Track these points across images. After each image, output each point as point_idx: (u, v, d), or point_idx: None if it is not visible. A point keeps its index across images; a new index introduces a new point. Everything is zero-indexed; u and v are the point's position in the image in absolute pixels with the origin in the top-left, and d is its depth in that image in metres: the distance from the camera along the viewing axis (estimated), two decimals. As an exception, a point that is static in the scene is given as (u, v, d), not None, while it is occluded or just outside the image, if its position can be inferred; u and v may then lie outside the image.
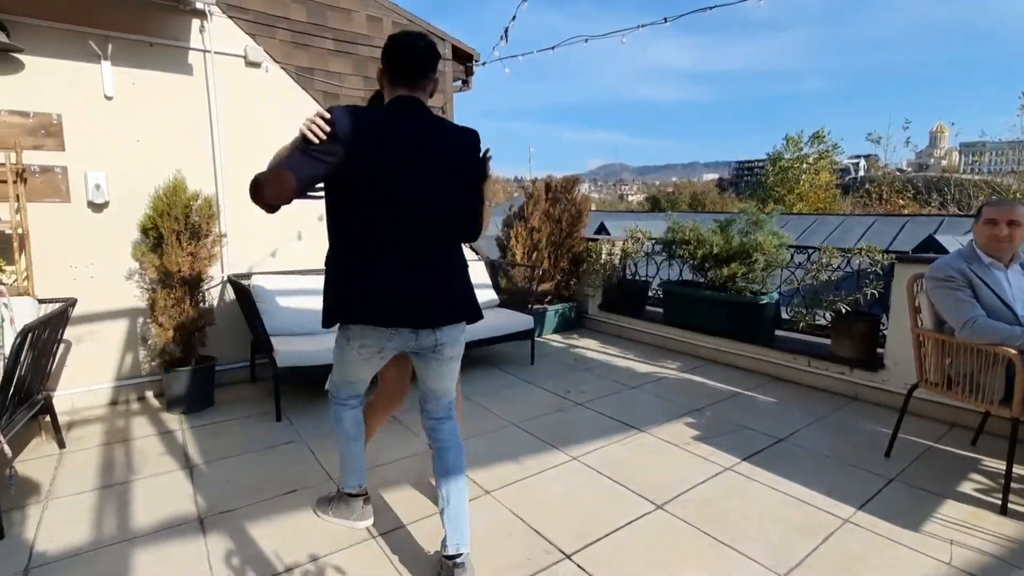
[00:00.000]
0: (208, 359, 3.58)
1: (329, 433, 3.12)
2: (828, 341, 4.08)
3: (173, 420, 3.35)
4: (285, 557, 2.03)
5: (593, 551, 2.09)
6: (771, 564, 2.01)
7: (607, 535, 2.20)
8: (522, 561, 2.03)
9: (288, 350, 3.38)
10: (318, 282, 4.11)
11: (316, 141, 1.61)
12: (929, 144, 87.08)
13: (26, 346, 2.10)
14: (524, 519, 2.30)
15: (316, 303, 3.95)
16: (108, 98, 3.37)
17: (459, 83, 5.09)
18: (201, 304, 3.52)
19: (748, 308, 4.27)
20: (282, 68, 4.02)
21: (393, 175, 1.70)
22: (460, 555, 1.86)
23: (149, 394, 3.72)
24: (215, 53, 3.69)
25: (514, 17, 5.17)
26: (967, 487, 2.59)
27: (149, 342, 3.64)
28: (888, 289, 3.64)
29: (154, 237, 3.34)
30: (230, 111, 3.82)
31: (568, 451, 2.95)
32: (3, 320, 2.42)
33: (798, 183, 21.80)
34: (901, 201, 19.04)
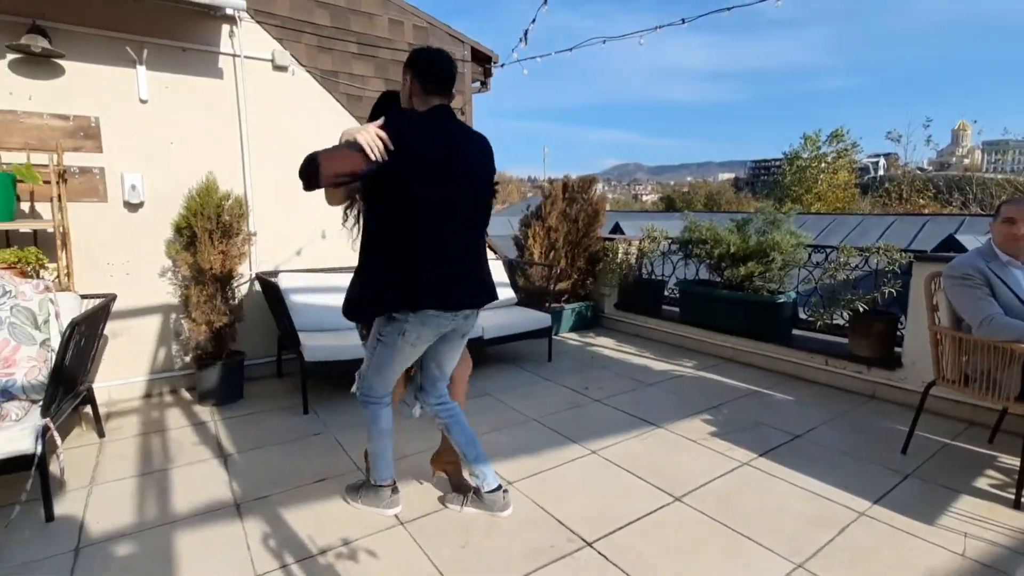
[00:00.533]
0: (238, 354, 3.71)
1: (354, 425, 3.24)
2: (846, 340, 4.10)
3: (205, 412, 3.48)
4: (318, 540, 2.13)
5: (613, 539, 2.16)
6: (788, 554, 2.07)
7: (627, 525, 2.26)
8: (545, 548, 2.11)
9: (315, 345, 3.49)
10: (343, 279, 4.25)
11: (378, 159, 1.78)
12: (951, 143, 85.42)
13: (73, 339, 2.22)
14: (546, 509, 2.38)
15: (339, 300, 4.10)
16: (143, 101, 3.51)
17: (478, 84, 5.18)
18: (231, 300, 3.64)
19: (765, 307, 4.30)
20: (307, 71, 4.14)
21: (443, 175, 1.90)
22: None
23: (181, 387, 3.86)
24: (244, 57, 3.82)
25: (534, 20, 5.24)
26: (982, 482, 2.61)
27: (181, 337, 3.77)
28: (906, 288, 3.65)
29: (187, 236, 3.47)
30: (257, 113, 3.95)
31: (587, 445, 3.01)
32: (50, 314, 2.55)
33: (816, 183, 21.58)
34: (922, 201, 18.76)
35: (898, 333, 3.79)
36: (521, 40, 5.37)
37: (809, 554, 2.06)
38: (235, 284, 3.71)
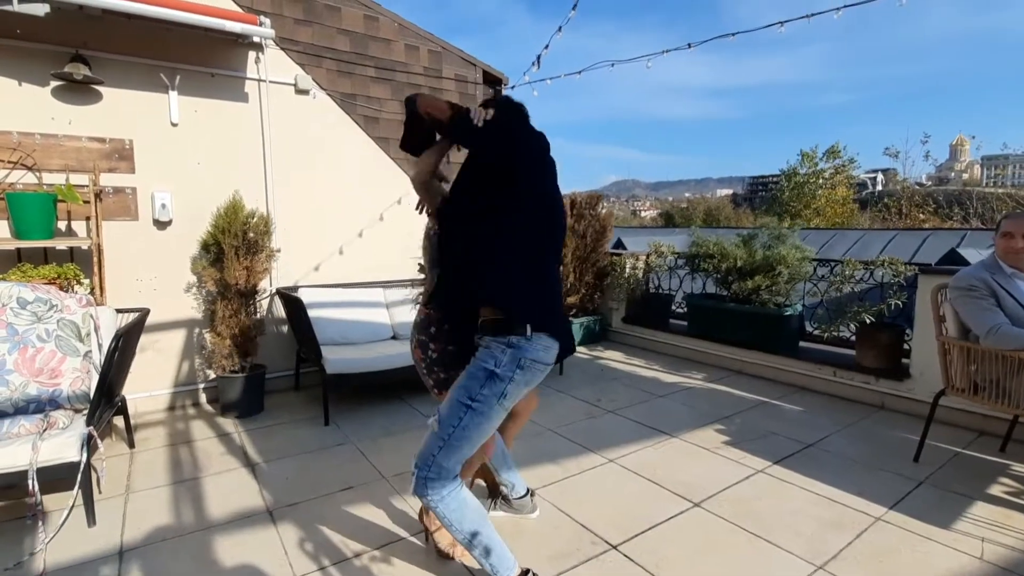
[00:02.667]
0: (259, 367, 3.80)
1: (375, 436, 3.32)
2: (852, 352, 4.18)
3: (228, 424, 3.56)
4: (352, 544, 2.20)
5: (637, 543, 2.23)
6: (808, 556, 2.13)
7: (649, 529, 2.33)
8: (571, 551, 2.18)
9: (337, 358, 3.58)
10: (361, 295, 4.39)
11: (475, 119, 1.71)
12: (949, 157, 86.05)
13: (118, 350, 2.32)
14: (569, 514, 2.45)
15: (358, 314, 4.24)
16: (174, 125, 3.65)
17: (489, 105, 5.33)
18: (255, 315, 3.75)
19: (773, 320, 4.39)
20: (328, 94, 4.30)
21: (554, 184, 1.83)
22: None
23: (203, 399, 3.94)
24: (269, 82, 3.98)
25: (547, 46, 5.42)
26: (996, 490, 2.68)
27: (205, 350, 3.87)
28: (912, 300, 3.74)
29: (215, 252, 3.59)
30: (280, 134, 4.09)
31: (604, 454, 3.09)
32: (91, 328, 2.65)
33: (814, 198, 21.83)
34: (922, 215, 18.93)
35: (904, 345, 3.88)
36: (534, 64, 5.55)
37: (829, 556, 2.13)
38: (258, 299, 3.81)
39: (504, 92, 5.29)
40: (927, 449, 2.99)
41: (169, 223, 3.70)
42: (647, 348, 5.58)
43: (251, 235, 3.66)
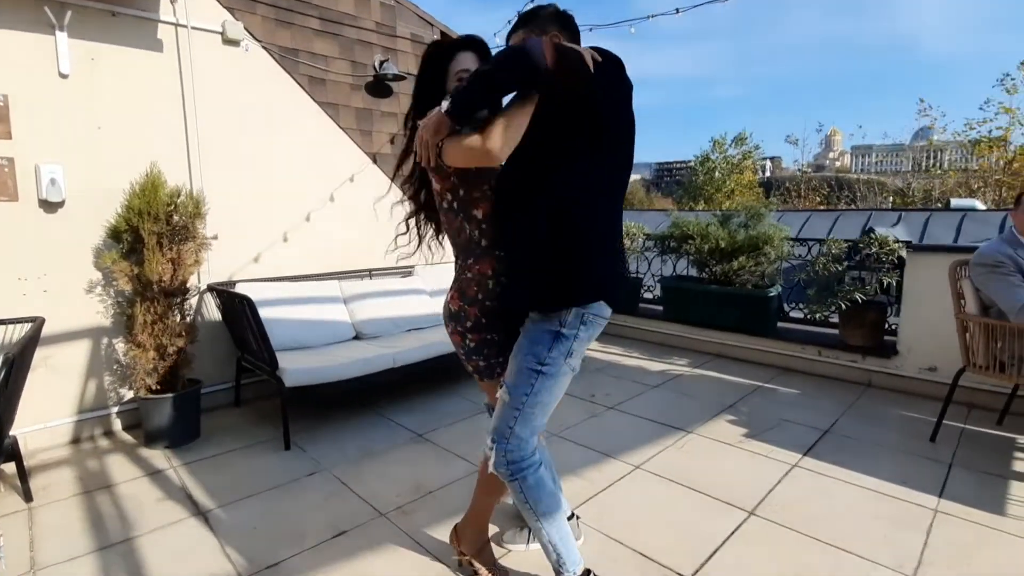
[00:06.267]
0: (194, 383, 3.08)
1: (352, 458, 2.77)
2: (832, 331, 4.17)
3: (158, 457, 2.83)
4: (373, 616, 1.70)
5: (712, 570, 1.91)
6: (894, 564, 1.92)
7: (717, 550, 2.03)
8: (645, 590, 1.82)
9: (296, 368, 2.96)
10: (313, 289, 3.73)
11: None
12: (824, 147, 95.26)
13: (9, 378, 1.62)
14: (621, 541, 2.09)
15: (312, 312, 3.58)
16: (63, 76, 2.80)
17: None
18: (186, 318, 3.01)
19: (756, 301, 4.29)
20: (263, 47, 3.56)
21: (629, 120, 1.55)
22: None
23: (118, 426, 3.15)
24: (189, 28, 3.18)
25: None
26: (1020, 466, 2.66)
27: (118, 365, 3.08)
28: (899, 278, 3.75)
29: (128, 241, 2.81)
30: (205, 94, 3.32)
31: (626, 459, 2.76)
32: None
33: (726, 182, 23.09)
34: (817, 198, 20.55)
35: (886, 322, 3.90)
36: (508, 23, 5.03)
37: (914, 561, 1.94)
38: (189, 298, 3.07)
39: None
40: (927, 426, 2.97)
41: (61, 204, 2.85)
42: (618, 335, 5.34)
43: (177, 219, 2.91)
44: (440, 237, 1.88)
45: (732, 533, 2.13)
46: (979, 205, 11.90)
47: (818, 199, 20.62)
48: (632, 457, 2.78)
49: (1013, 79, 12.17)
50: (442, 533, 2.11)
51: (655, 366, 4.36)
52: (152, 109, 3.13)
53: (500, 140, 1.33)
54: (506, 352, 1.66)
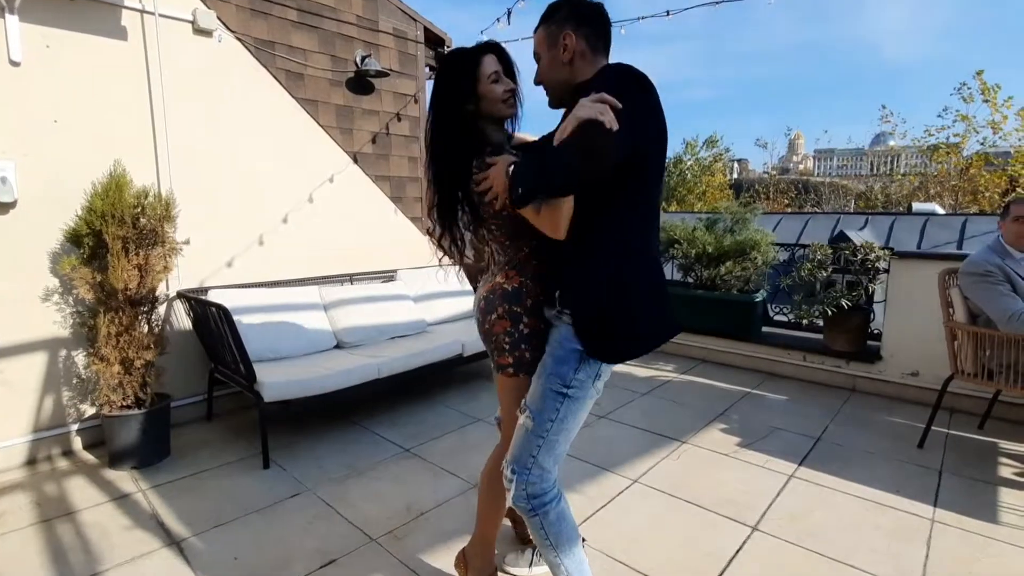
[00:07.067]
0: (163, 397, 2.88)
1: (336, 478, 2.62)
2: (815, 335, 4.20)
3: (125, 479, 2.63)
4: (371, 659, 1.57)
5: (724, 593, 1.86)
6: (903, 581, 1.90)
7: (726, 569, 1.97)
8: (657, 618, 1.74)
9: (275, 380, 2.79)
10: (291, 295, 3.55)
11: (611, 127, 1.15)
12: (788, 150, 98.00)
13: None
14: (625, 562, 2.01)
15: (290, 320, 3.40)
16: (14, 64, 2.56)
17: (428, 69, 4.63)
18: (154, 328, 2.80)
19: (742, 306, 4.29)
20: (238, 39, 3.35)
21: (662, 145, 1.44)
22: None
23: (78, 445, 2.91)
24: (157, 16, 2.97)
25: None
26: (1006, 471, 2.70)
27: (79, 380, 2.85)
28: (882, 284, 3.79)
29: (90, 245, 2.59)
30: (174, 88, 3.10)
31: (623, 472, 2.69)
32: None
33: (697, 184, 23.42)
34: (785, 200, 21.04)
35: (868, 328, 3.94)
36: (498, 21, 4.93)
37: (919, 574, 1.92)
38: (158, 307, 2.87)
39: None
40: (913, 431, 3.01)
41: (13, 205, 2.61)
42: (601, 339, 5.29)
43: (144, 221, 2.70)
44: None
45: (738, 551, 2.08)
46: (938, 209, 12.33)
47: (786, 202, 21.11)
48: (629, 470, 2.71)
49: (969, 88, 12.60)
50: (439, 560, 2.00)
51: (642, 371, 4.32)
52: (116, 103, 2.90)
53: (551, 230, 1.37)
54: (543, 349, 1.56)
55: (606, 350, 1.43)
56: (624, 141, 1.17)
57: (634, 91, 1.28)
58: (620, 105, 1.14)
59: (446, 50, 4.60)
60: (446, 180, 1.54)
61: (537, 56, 1.49)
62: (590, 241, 1.40)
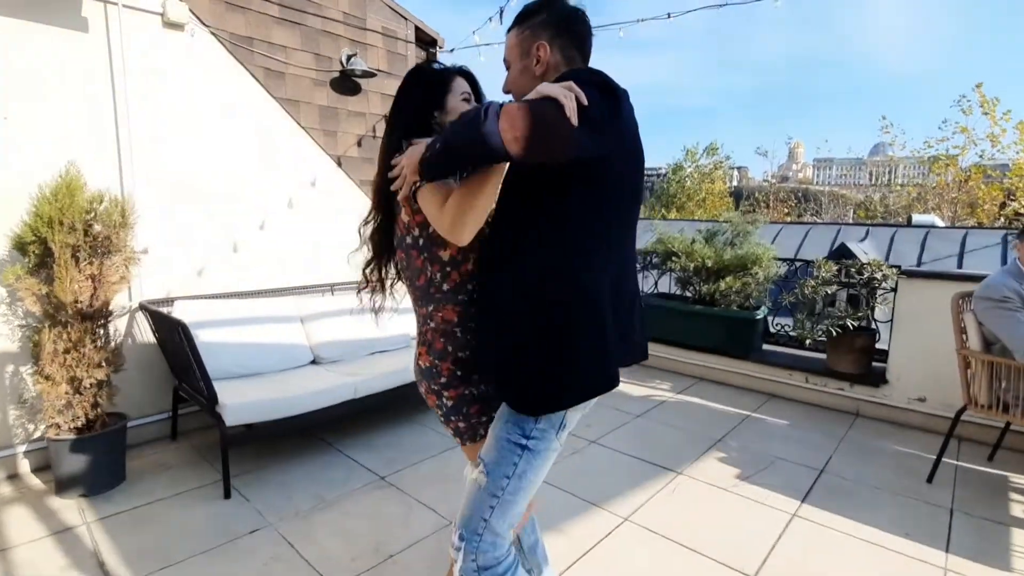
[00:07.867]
0: (117, 418, 2.66)
1: (301, 512, 2.42)
2: (818, 354, 4.02)
3: (70, 508, 2.41)
4: None
5: (720, 661, 1.66)
6: (920, 649, 1.71)
7: (723, 632, 1.77)
8: None
9: (238, 402, 2.59)
10: (265, 307, 3.34)
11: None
12: (788, 159, 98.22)
13: None
14: (613, 620, 1.81)
15: (263, 334, 3.19)
16: (-42, 55, 2.36)
17: (418, 71, 4.44)
18: (108, 344, 2.59)
19: (743, 324, 4.10)
20: (213, 34, 3.16)
21: (635, 159, 1.27)
22: None
23: (24, 469, 2.70)
24: (122, 6, 2.77)
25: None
26: (1017, 510, 2.52)
27: (22, 398, 2.63)
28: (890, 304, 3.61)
29: (36, 254, 2.38)
30: (141, 85, 2.90)
31: (611, 508, 2.49)
32: None
33: (698, 192, 23.27)
34: (785, 209, 20.91)
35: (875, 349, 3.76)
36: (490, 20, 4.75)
37: (942, 645, 1.72)
38: (112, 320, 2.66)
39: (440, 56, 4.43)
40: (921, 462, 2.84)
41: (-46, 209, 2.41)
42: (594, 353, 5.10)
43: (99, 228, 2.50)
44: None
45: (736, 607, 1.89)
46: (938, 222, 12.19)
47: (785, 210, 20.98)
48: (619, 506, 2.51)
49: (968, 100, 12.48)
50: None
51: (637, 390, 4.12)
52: (74, 99, 2.70)
53: (450, 224, 1.13)
54: (492, 408, 1.41)
55: (550, 405, 1.22)
56: (581, 136, 1.00)
57: (599, 92, 1.09)
58: (587, 102, 0.99)
59: (438, 51, 4.42)
60: (390, 195, 1.36)
61: (507, 63, 1.32)
62: (512, 266, 1.20)
